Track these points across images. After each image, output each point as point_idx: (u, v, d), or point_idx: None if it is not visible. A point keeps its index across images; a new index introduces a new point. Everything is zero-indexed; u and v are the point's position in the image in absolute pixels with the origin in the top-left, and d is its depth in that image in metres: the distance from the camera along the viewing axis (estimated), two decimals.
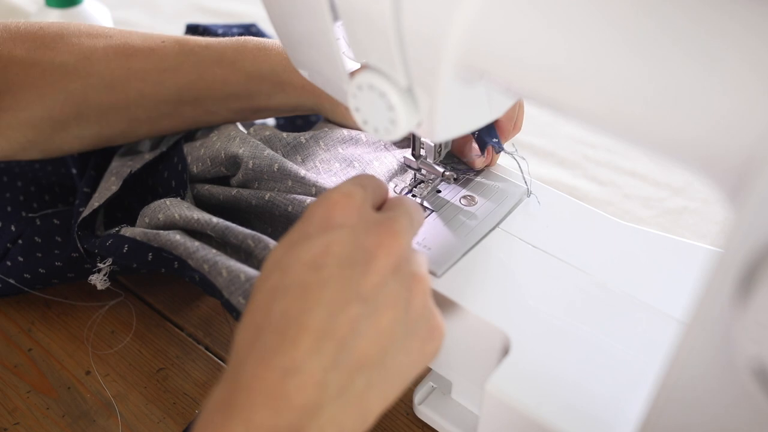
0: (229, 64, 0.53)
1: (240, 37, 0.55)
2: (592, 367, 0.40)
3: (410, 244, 0.37)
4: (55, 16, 0.68)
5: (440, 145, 0.51)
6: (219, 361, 0.53)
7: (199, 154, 0.54)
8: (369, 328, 0.33)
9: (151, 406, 0.50)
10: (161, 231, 0.49)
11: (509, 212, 0.50)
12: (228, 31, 0.63)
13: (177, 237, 0.48)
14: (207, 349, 0.54)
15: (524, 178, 0.51)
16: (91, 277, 0.51)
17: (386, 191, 0.41)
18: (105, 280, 0.51)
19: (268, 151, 0.52)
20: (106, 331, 0.55)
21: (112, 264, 0.51)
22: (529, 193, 0.51)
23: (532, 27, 0.31)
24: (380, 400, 0.34)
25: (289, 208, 0.49)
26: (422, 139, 0.51)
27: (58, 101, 0.52)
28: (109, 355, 0.53)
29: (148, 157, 0.55)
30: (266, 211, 0.50)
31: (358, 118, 0.39)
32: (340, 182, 0.40)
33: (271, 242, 0.47)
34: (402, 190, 0.52)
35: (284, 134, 0.55)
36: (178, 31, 0.70)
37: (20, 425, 0.49)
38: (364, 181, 0.38)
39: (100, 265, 0.50)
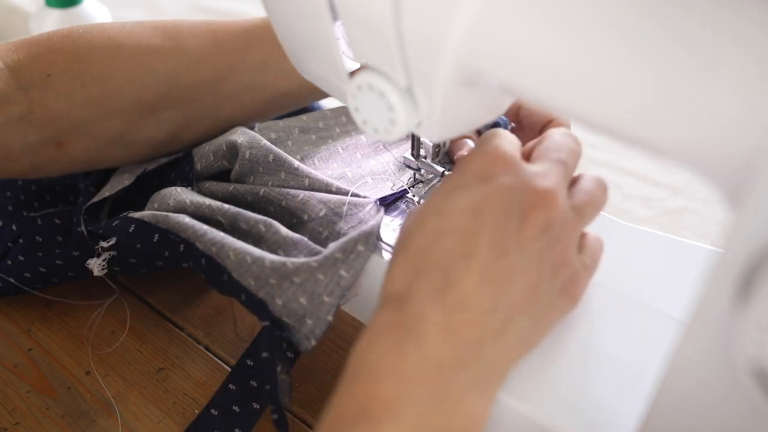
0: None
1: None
2: (592, 367, 0.40)
3: (563, 198, 0.38)
4: (55, 16, 0.68)
5: (439, 145, 0.51)
6: (219, 361, 0.53)
7: (204, 152, 0.54)
8: (522, 278, 0.36)
9: (151, 406, 0.50)
10: (170, 213, 0.48)
11: None
12: None
13: (186, 220, 0.47)
14: (207, 349, 0.54)
15: None
16: (89, 261, 0.50)
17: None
18: (103, 266, 0.50)
19: (264, 142, 0.52)
20: (106, 331, 0.55)
21: (114, 249, 0.50)
22: None
23: (532, 28, 0.31)
24: (524, 347, 0.37)
25: (283, 203, 0.49)
26: (422, 139, 0.51)
27: (148, 84, 0.52)
28: (109, 355, 0.53)
29: (164, 159, 0.56)
30: (261, 207, 0.50)
31: (357, 118, 0.39)
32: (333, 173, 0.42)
33: (282, 228, 0.47)
34: (401, 189, 0.52)
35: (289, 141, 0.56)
36: None
37: (20, 425, 0.49)
38: (508, 137, 0.40)
39: (103, 244, 0.50)
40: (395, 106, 0.36)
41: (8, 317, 0.55)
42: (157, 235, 0.48)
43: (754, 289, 0.26)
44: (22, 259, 0.54)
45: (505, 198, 0.36)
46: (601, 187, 0.42)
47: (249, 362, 0.47)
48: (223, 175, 0.55)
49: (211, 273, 0.46)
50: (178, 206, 0.50)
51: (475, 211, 0.36)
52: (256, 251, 0.45)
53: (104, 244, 0.50)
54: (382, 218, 0.47)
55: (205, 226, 0.47)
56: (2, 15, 0.86)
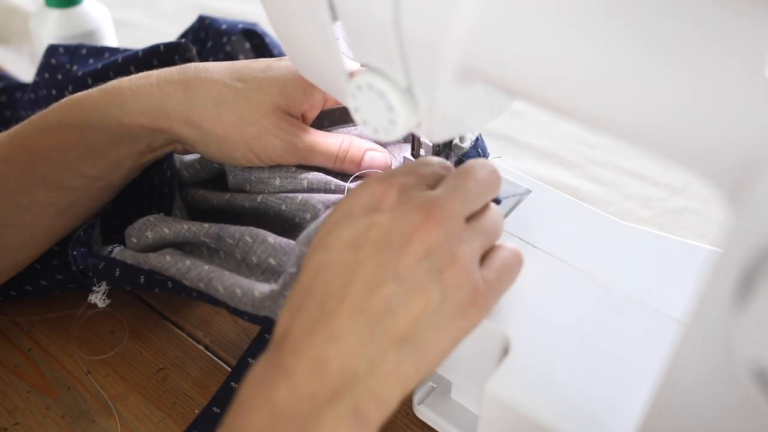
0: (55, 128, 0.49)
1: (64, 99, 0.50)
2: (592, 367, 0.40)
3: (450, 219, 0.37)
4: (55, 16, 0.68)
5: (439, 145, 0.51)
6: (219, 361, 0.53)
7: (189, 161, 0.54)
8: (402, 307, 0.35)
9: (151, 406, 0.50)
10: (150, 254, 0.48)
11: (509, 212, 0.49)
12: (232, 27, 0.63)
13: (167, 258, 0.47)
14: (207, 349, 0.54)
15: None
16: (90, 297, 0.50)
17: (445, 169, 0.41)
18: (104, 300, 0.50)
19: None
20: (106, 331, 0.55)
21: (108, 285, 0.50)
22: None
23: (532, 28, 0.31)
24: (415, 373, 0.36)
25: (283, 207, 0.49)
26: (422, 139, 0.51)
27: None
28: (108, 355, 0.53)
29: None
30: (260, 213, 0.50)
31: (357, 118, 0.39)
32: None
33: (270, 236, 0.47)
34: None
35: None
36: (178, 31, 0.70)
37: (20, 425, 0.49)
38: (416, 168, 0.40)
39: (96, 289, 0.50)
40: (395, 106, 0.36)
41: (8, 317, 0.55)
42: (142, 276, 0.48)
43: (754, 290, 0.26)
44: (23, 272, 0.53)
45: (386, 227, 0.36)
46: (497, 219, 0.41)
47: (251, 360, 0.47)
48: (215, 180, 0.55)
49: (207, 300, 0.47)
50: (157, 238, 0.49)
51: (355, 244, 0.36)
52: (245, 282, 0.46)
53: (96, 288, 0.50)
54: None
55: (188, 262, 0.47)
56: (2, 15, 0.86)
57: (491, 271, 0.39)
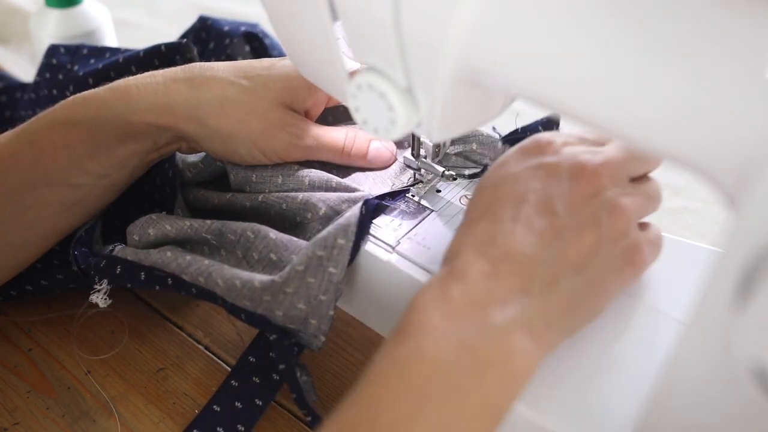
0: (62, 125, 0.49)
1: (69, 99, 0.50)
2: (592, 367, 0.40)
3: (619, 176, 0.40)
4: (55, 16, 0.68)
5: (439, 145, 0.51)
6: (219, 361, 0.53)
7: (191, 161, 0.54)
8: (572, 239, 0.37)
9: (151, 406, 0.50)
10: (151, 250, 0.48)
11: None
12: (234, 29, 0.63)
13: (168, 254, 0.48)
14: (207, 349, 0.54)
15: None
16: (91, 296, 0.50)
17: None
18: (106, 299, 0.50)
19: None
20: (106, 331, 0.55)
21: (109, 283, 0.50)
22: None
23: (532, 28, 0.31)
24: (584, 308, 0.38)
25: (284, 206, 0.49)
26: (422, 139, 0.51)
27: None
28: (108, 355, 0.53)
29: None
30: (261, 212, 0.50)
31: (358, 118, 0.39)
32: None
33: (271, 231, 0.47)
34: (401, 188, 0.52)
35: None
36: (178, 31, 0.70)
37: (20, 425, 0.49)
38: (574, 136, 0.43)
39: (97, 287, 0.50)
40: (395, 106, 0.36)
41: (8, 317, 0.55)
42: (143, 273, 0.48)
43: (754, 290, 0.26)
44: (24, 272, 0.53)
45: (556, 165, 0.39)
46: (657, 188, 0.43)
47: (251, 359, 0.47)
48: (217, 180, 0.55)
49: (206, 298, 0.47)
50: (159, 235, 0.49)
51: (530, 175, 0.39)
52: (245, 274, 0.46)
53: (98, 287, 0.49)
54: (359, 209, 0.47)
55: (188, 257, 0.47)
56: (2, 15, 0.86)
57: (647, 238, 0.41)
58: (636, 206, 0.40)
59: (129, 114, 0.49)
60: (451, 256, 0.38)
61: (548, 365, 0.40)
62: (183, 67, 0.50)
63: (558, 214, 0.38)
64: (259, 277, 0.45)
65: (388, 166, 0.53)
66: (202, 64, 0.50)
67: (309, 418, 0.45)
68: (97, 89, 0.50)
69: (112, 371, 0.52)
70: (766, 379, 0.28)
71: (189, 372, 0.52)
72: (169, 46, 0.57)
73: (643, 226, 0.42)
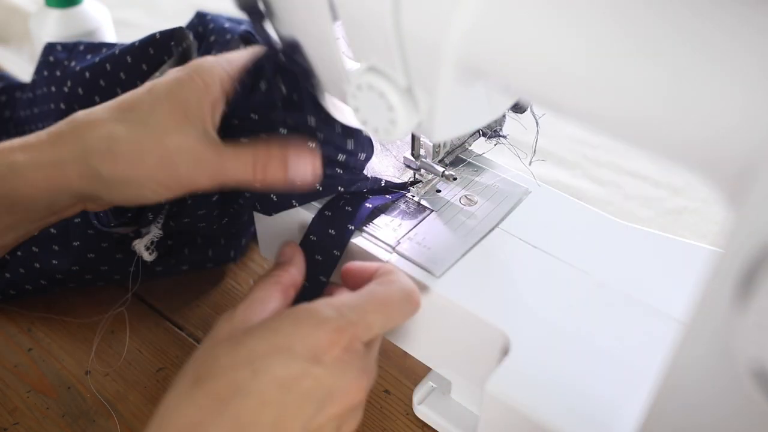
0: None
1: None
2: (592, 367, 0.40)
3: (370, 384, 0.39)
4: (55, 16, 0.68)
5: (439, 145, 0.51)
6: None
7: None
8: None
9: (151, 406, 0.50)
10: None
11: (509, 212, 0.49)
12: (234, 26, 0.63)
13: None
14: None
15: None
16: (135, 243, 0.49)
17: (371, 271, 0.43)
18: (152, 251, 0.48)
19: None
20: (106, 330, 0.55)
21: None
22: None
23: (532, 27, 0.31)
24: None
25: None
26: (422, 139, 0.51)
27: None
28: (109, 355, 0.53)
29: None
30: None
31: (358, 118, 0.39)
32: None
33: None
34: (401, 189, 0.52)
35: None
36: None
37: (20, 425, 0.49)
38: (372, 311, 0.39)
39: (145, 230, 0.48)
40: (395, 106, 0.36)
41: (8, 317, 0.55)
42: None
43: (754, 289, 0.26)
44: (23, 271, 0.53)
45: (318, 383, 0.36)
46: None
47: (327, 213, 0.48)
48: None
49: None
50: None
51: (284, 386, 0.36)
52: None
53: (145, 230, 0.48)
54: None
55: None
56: (2, 15, 0.86)
57: (374, 351, 0.40)
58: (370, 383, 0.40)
59: (16, 183, 0.44)
60: (185, 427, 0.35)
61: (548, 365, 0.40)
62: (66, 119, 0.45)
63: None
64: None
65: (315, 178, 0.46)
66: (84, 111, 0.45)
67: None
68: None
69: (113, 371, 0.52)
70: (766, 379, 0.28)
71: None
72: (164, 33, 0.56)
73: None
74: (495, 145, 0.53)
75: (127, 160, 0.43)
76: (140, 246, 0.50)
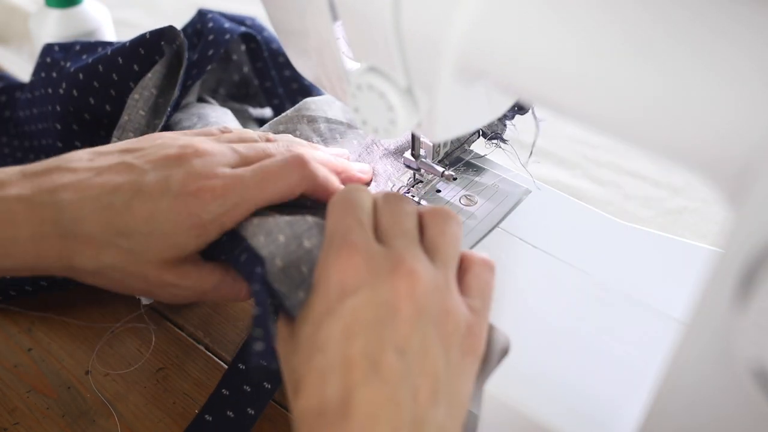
0: None
1: None
2: (592, 367, 0.40)
3: (423, 269, 0.37)
4: (55, 16, 0.68)
5: (439, 145, 0.51)
6: (219, 361, 0.53)
7: None
8: (419, 376, 0.35)
9: (151, 406, 0.50)
10: None
11: (509, 212, 0.50)
12: (235, 26, 0.63)
13: None
14: (207, 349, 0.54)
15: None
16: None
17: (367, 193, 0.41)
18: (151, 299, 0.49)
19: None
20: (106, 331, 0.55)
21: None
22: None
23: (532, 27, 0.31)
24: (455, 426, 0.36)
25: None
26: (422, 139, 0.51)
27: None
28: (108, 355, 0.53)
29: None
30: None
31: (357, 118, 0.39)
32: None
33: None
34: (400, 189, 0.52)
35: None
36: None
37: (20, 425, 0.49)
38: (354, 209, 0.39)
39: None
40: (395, 106, 0.36)
41: (8, 317, 0.55)
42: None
43: (754, 289, 0.26)
44: None
45: (369, 306, 0.36)
46: (445, 220, 0.41)
47: (241, 366, 0.46)
48: None
49: (229, 248, 0.44)
50: None
51: (350, 335, 0.35)
52: (283, 215, 0.43)
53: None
54: None
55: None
56: (2, 15, 0.86)
57: (474, 298, 0.39)
58: (452, 288, 0.38)
59: None
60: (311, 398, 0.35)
61: (548, 365, 0.40)
62: (51, 215, 0.42)
63: (394, 364, 0.35)
64: (290, 217, 0.43)
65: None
66: (73, 211, 0.42)
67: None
68: None
69: (112, 371, 0.52)
70: (766, 379, 0.28)
71: (189, 372, 0.52)
72: (154, 33, 0.56)
73: (466, 270, 0.41)
74: (495, 147, 0.53)
75: (111, 280, 0.44)
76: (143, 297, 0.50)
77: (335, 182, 0.47)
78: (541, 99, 0.33)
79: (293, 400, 0.37)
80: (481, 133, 0.52)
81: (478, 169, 0.53)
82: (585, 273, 0.45)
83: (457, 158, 0.54)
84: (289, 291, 0.40)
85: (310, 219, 0.43)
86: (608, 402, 0.39)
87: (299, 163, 0.44)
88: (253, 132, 0.49)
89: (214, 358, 0.53)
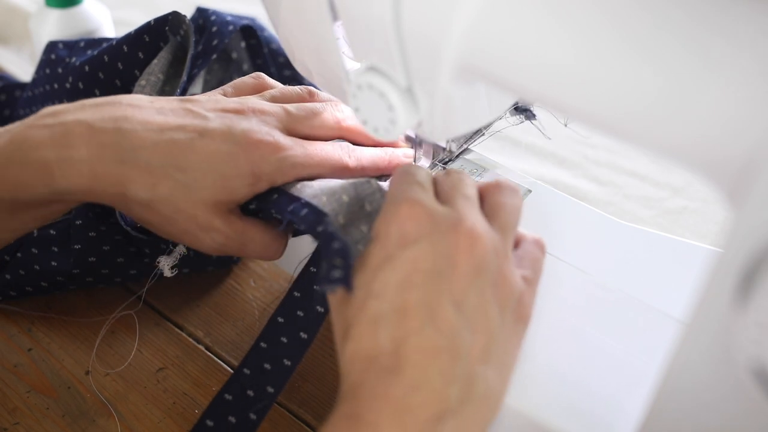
0: None
1: None
2: (593, 367, 0.40)
3: (484, 231, 0.37)
4: (55, 17, 0.68)
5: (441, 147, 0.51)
6: (219, 361, 0.53)
7: None
8: (473, 332, 0.35)
9: (151, 406, 0.50)
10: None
11: None
12: (237, 21, 0.63)
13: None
14: (207, 349, 0.54)
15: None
16: (159, 259, 0.49)
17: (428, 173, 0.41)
18: (174, 269, 0.49)
19: None
20: (107, 331, 0.55)
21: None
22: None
23: (532, 27, 0.31)
24: (498, 394, 0.36)
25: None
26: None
27: None
28: (109, 354, 0.53)
29: None
30: None
31: (358, 117, 0.39)
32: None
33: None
34: None
35: None
36: None
37: (20, 425, 0.49)
38: (415, 175, 0.39)
39: (174, 248, 0.48)
40: (395, 106, 0.36)
41: (8, 317, 0.55)
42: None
43: (754, 289, 0.26)
44: (23, 273, 0.53)
45: (430, 256, 0.36)
46: (507, 191, 0.41)
47: (246, 371, 0.46)
48: None
49: (280, 204, 0.44)
50: None
51: (408, 284, 0.35)
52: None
53: (174, 248, 0.48)
54: None
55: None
56: (2, 15, 0.86)
57: (526, 269, 0.40)
58: (509, 255, 0.38)
59: (49, 195, 0.44)
60: (351, 386, 0.35)
61: (548, 365, 0.40)
62: (114, 143, 0.43)
63: (450, 315, 0.35)
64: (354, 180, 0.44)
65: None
66: (135, 140, 0.43)
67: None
68: (11, 157, 0.43)
69: (112, 371, 0.52)
70: (766, 379, 0.28)
71: (189, 372, 0.52)
72: (158, 20, 0.56)
73: (520, 244, 0.41)
74: (521, 122, 0.52)
75: (162, 216, 0.45)
76: (165, 264, 0.50)
77: (385, 156, 0.49)
78: (541, 98, 0.33)
79: (342, 345, 0.36)
80: (515, 108, 0.51)
81: (478, 169, 0.53)
82: (585, 273, 0.45)
83: (457, 158, 0.54)
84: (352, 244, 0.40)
85: (374, 183, 0.42)
86: (608, 401, 0.39)
87: (348, 152, 0.47)
88: (293, 87, 0.50)
89: (214, 358, 0.53)
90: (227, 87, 0.50)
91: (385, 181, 0.47)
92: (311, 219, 0.42)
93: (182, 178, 0.43)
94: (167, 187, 0.43)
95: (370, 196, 0.42)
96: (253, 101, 0.47)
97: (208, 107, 0.45)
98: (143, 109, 0.44)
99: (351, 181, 0.43)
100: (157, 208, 0.44)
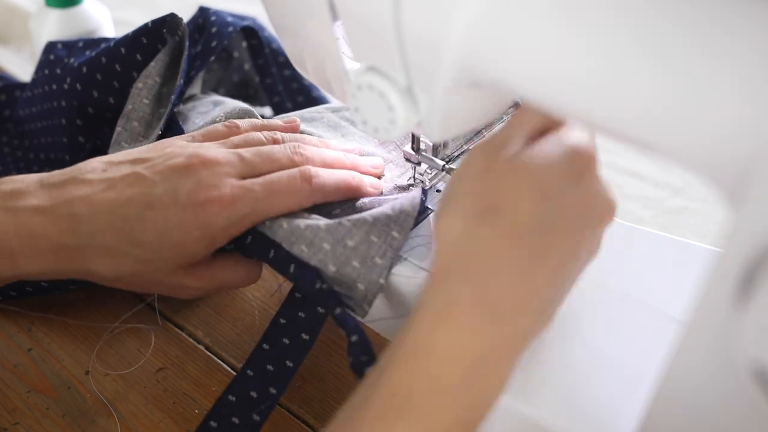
0: None
1: None
2: (592, 367, 0.40)
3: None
4: (55, 17, 0.68)
5: (440, 144, 0.51)
6: (219, 362, 0.53)
7: None
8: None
9: (151, 406, 0.50)
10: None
11: None
12: (237, 22, 0.63)
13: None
14: (207, 349, 0.54)
15: None
16: None
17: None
18: None
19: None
20: (106, 330, 0.55)
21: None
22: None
23: (533, 28, 0.31)
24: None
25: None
26: (421, 139, 0.51)
27: None
28: (108, 355, 0.53)
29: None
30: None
31: (357, 118, 0.39)
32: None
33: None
34: (409, 179, 0.52)
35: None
36: None
37: (20, 425, 0.49)
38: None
39: None
40: (395, 106, 0.36)
41: (8, 317, 0.55)
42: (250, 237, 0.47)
43: (754, 290, 0.26)
44: None
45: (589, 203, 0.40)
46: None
47: (249, 372, 0.46)
48: None
49: (258, 250, 0.46)
50: None
51: (482, 212, 0.36)
52: (311, 219, 0.45)
53: None
54: (420, 191, 0.48)
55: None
56: (2, 15, 0.86)
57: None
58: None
59: (13, 276, 0.46)
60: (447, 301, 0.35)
61: (548, 364, 0.40)
62: (70, 226, 0.45)
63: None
64: (325, 221, 0.45)
65: None
66: (90, 224, 0.45)
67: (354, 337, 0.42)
68: None
69: (112, 371, 0.52)
70: (766, 379, 0.28)
71: (189, 372, 0.52)
72: (156, 22, 0.56)
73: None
74: None
75: (127, 284, 0.48)
76: None
77: (351, 180, 0.48)
78: (541, 99, 0.33)
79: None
80: (515, 108, 0.51)
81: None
82: (585, 273, 0.45)
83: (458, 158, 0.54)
84: (348, 289, 0.43)
85: (346, 223, 0.44)
86: (608, 401, 0.39)
87: (305, 178, 0.46)
88: (258, 133, 0.50)
89: (214, 358, 0.53)
90: (196, 133, 0.50)
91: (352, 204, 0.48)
92: (305, 278, 0.44)
93: (140, 253, 0.45)
94: (128, 264, 0.46)
95: (347, 234, 0.44)
96: (207, 151, 0.46)
97: (158, 168, 0.45)
98: (94, 185, 0.46)
99: (322, 226, 0.44)
100: (125, 280, 0.47)
